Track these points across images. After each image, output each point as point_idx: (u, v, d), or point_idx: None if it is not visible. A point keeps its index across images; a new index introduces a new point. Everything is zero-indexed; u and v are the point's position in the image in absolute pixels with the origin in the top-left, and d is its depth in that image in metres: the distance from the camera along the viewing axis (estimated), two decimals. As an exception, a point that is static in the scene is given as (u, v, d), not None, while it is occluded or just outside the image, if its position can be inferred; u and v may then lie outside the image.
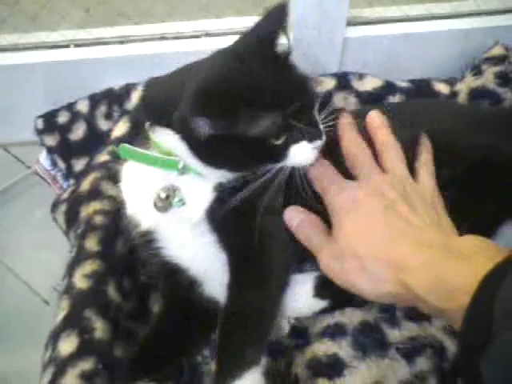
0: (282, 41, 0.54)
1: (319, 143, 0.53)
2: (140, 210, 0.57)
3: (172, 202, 0.54)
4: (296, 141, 0.52)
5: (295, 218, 0.56)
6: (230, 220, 0.54)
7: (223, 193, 0.54)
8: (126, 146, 0.58)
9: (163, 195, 0.54)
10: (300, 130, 0.51)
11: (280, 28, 0.53)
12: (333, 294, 0.58)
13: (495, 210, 0.59)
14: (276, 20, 0.53)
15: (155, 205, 0.54)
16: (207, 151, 0.52)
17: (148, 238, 0.58)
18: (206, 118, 0.48)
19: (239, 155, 0.52)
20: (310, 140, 0.52)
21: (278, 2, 0.53)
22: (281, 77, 0.51)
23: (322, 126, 0.54)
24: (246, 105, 0.48)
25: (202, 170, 0.54)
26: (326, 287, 0.58)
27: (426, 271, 0.46)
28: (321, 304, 0.59)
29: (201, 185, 0.55)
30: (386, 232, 0.51)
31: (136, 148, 0.56)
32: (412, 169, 0.58)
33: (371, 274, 0.50)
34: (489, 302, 0.38)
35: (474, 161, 0.58)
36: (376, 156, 0.58)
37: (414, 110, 0.72)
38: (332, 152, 0.58)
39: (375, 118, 0.60)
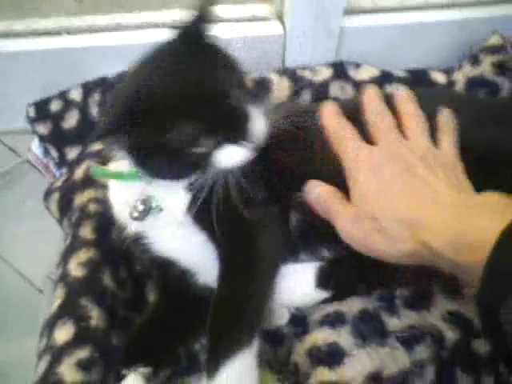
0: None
1: (249, 144, 0.49)
2: (124, 218, 0.58)
3: (150, 210, 0.54)
4: (218, 146, 0.48)
5: (312, 191, 0.55)
6: (212, 216, 0.52)
7: (197, 192, 0.53)
8: (98, 167, 0.60)
9: (140, 207, 0.54)
10: (222, 132, 0.48)
11: (204, 20, 0.52)
12: (335, 284, 0.58)
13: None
14: (201, 13, 0.52)
15: (131, 215, 0.55)
16: (138, 162, 0.50)
17: (137, 237, 0.58)
18: (114, 137, 0.48)
19: (165, 165, 0.50)
20: (235, 142, 0.48)
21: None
22: (200, 76, 0.48)
23: (252, 121, 0.50)
24: (151, 119, 0.46)
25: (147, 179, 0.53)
26: (328, 278, 0.58)
27: (445, 227, 0.45)
28: (323, 294, 0.58)
29: (172, 188, 0.54)
30: (405, 193, 0.50)
31: (104, 167, 0.58)
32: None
33: (390, 234, 0.49)
34: (509, 252, 0.38)
35: (477, 156, 0.56)
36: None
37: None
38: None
39: (403, 93, 0.59)
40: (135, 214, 0.54)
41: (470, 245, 0.43)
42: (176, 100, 0.46)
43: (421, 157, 0.53)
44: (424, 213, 0.48)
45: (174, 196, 0.54)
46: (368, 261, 0.52)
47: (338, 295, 0.59)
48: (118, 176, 0.56)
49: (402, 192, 0.50)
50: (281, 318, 0.59)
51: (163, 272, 0.60)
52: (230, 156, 0.49)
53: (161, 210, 0.55)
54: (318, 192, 0.55)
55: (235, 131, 0.48)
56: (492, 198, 0.47)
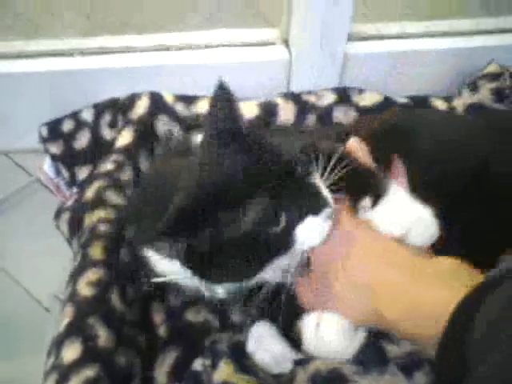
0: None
1: (329, 211, 0.46)
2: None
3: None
4: (299, 219, 0.45)
5: None
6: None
7: None
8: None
9: None
10: (299, 204, 0.44)
11: (232, 113, 0.47)
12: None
13: (493, 237, 0.56)
14: (225, 107, 0.47)
15: None
16: (201, 268, 0.47)
17: None
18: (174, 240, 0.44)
19: (238, 261, 0.46)
20: (316, 212, 0.45)
21: (218, 85, 0.47)
22: (253, 158, 0.45)
23: (325, 189, 0.47)
24: (221, 209, 0.43)
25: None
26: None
27: (398, 296, 0.44)
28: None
29: None
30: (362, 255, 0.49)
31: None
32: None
33: (346, 297, 0.49)
34: (463, 333, 0.36)
35: (467, 180, 0.57)
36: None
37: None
38: None
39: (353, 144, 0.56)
40: None
41: (425, 318, 0.41)
42: (241, 182, 0.43)
43: None
44: (376, 273, 0.47)
45: None
46: None
47: None
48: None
49: (356, 257, 0.49)
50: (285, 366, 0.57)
51: None
52: (312, 229, 0.45)
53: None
54: None
55: (314, 200, 0.45)
56: (447, 263, 0.45)
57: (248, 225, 0.43)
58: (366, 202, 0.50)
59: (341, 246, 0.49)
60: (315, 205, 0.45)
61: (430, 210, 0.51)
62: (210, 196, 0.43)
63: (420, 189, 0.54)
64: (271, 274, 0.49)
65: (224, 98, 0.47)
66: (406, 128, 0.64)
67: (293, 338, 0.56)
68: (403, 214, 0.50)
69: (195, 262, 0.46)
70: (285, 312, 0.52)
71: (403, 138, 0.62)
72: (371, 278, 0.47)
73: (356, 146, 0.56)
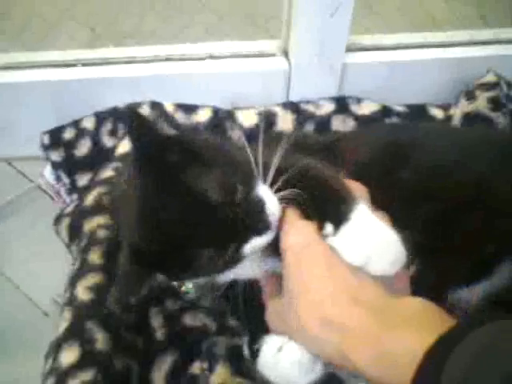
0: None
1: (270, 233, 0.48)
2: None
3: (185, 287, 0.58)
4: (243, 243, 0.47)
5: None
6: None
7: None
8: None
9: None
10: (239, 235, 0.47)
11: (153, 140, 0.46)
12: None
13: (494, 249, 0.57)
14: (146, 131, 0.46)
15: None
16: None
17: None
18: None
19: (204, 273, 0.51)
20: (258, 234, 0.47)
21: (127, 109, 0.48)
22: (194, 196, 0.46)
23: (272, 202, 0.48)
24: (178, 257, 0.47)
25: None
26: None
27: (366, 341, 0.41)
28: None
29: None
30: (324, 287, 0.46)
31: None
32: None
33: (309, 336, 0.45)
34: (434, 380, 0.35)
35: (466, 194, 0.57)
36: None
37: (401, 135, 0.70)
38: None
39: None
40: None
41: (393, 365, 0.39)
42: (184, 229, 0.46)
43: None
44: (341, 312, 0.44)
45: None
46: None
47: None
48: None
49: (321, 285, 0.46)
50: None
51: None
52: (255, 245, 0.48)
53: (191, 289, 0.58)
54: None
55: (253, 227, 0.47)
56: (415, 304, 0.43)
57: (200, 265, 0.47)
58: (327, 229, 0.47)
59: (312, 275, 0.46)
60: (258, 227, 0.47)
61: (397, 235, 0.47)
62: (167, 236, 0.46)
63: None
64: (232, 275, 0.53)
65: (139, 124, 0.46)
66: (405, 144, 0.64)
67: (252, 351, 0.55)
68: (365, 241, 0.47)
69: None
70: (253, 324, 0.55)
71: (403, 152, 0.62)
72: (340, 317, 0.43)
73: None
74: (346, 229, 0.47)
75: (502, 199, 0.58)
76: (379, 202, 0.53)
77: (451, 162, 0.61)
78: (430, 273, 0.58)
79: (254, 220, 0.47)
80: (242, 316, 0.59)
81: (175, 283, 0.57)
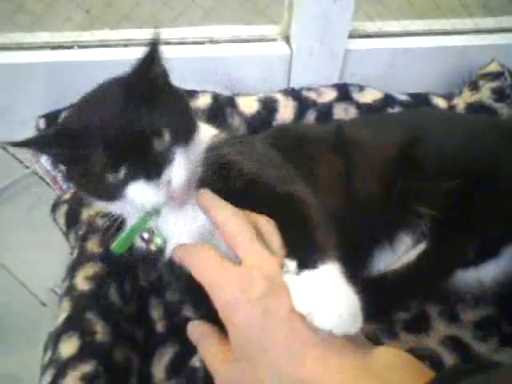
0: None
1: (158, 184, 0.47)
2: None
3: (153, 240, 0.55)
4: (132, 179, 0.47)
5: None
6: None
7: None
8: (114, 243, 0.57)
9: (145, 235, 0.55)
10: (134, 168, 0.47)
11: (148, 61, 0.49)
12: None
13: (502, 229, 0.59)
14: (146, 54, 0.50)
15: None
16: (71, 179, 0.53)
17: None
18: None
19: (88, 183, 0.50)
20: (147, 179, 0.47)
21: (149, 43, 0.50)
22: (128, 113, 0.47)
23: (171, 164, 0.48)
24: (72, 145, 0.48)
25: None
26: None
27: None
28: None
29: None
30: (289, 351, 0.41)
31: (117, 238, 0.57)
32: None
33: None
34: None
35: (476, 174, 0.59)
36: None
37: (412, 119, 0.72)
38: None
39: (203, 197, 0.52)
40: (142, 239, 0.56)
41: None
42: (99, 131, 0.47)
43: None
44: (312, 370, 0.39)
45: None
46: (375, 292, 0.53)
47: None
48: (133, 232, 0.55)
49: (281, 341, 0.41)
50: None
51: None
52: (140, 193, 0.48)
53: (164, 242, 0.55)
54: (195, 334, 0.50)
55: (146, 170, 0.47)
56: (388, 356, 0.41)
57: (93, 165, 0.47)
58: (291, 266, 0.44)
59: (276, 336, 0.41)
60: (151, 172, 0.47)
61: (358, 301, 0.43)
62: (81, 129, 0.48)
63: None
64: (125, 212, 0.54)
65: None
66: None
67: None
68: (321, 293, 0.42)
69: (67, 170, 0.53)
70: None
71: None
72: (309, 375, 0.39)
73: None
74: (308, 274, 0.43)
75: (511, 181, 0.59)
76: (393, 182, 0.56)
77: (461, 143, 0.62)
78: (440, 250, 0.59)
79: (149, 163, 0.47)
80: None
81: (145, 236, 0.54)
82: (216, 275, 0.44)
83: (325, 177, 0.60)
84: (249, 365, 0.42)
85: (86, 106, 0.52)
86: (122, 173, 0.47)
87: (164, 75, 0.51)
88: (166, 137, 0.48)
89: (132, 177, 0.47)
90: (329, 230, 0.49)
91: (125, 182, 0.47)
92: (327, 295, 0.42)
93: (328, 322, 0.40)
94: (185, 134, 0.51)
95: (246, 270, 0.44)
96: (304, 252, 0.45)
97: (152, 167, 0.47)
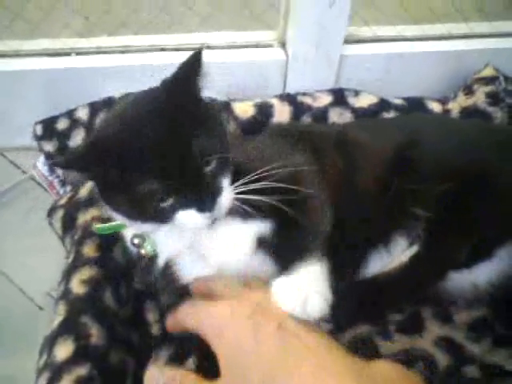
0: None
1: (210, 215, 0.48)
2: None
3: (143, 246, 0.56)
4: (183, 207, 0.47)
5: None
6: None
7: None
8: (98, 225, 0.60)
9: (135, 240, 0.56)
10: (187, 198, 0.47)
11: (193, 78, 0.48)
12: (337, 316, 0.59)
13: (495, 231, 0.60)
14: (189, 69, 0.48)
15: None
16: (105, 198, 0.50)
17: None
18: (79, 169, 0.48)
19: (129, 207, 0.49)
20: (200, 210, 0.47)
21: (194, 51, 0.49)
22: (179, 138, 0.46)
23: (221, 196, 0.48)
24: (118, 167, 0.45)
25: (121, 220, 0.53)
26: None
27: None
28: (325, 326, 0.58)
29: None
30: (283, 358, 0.41)
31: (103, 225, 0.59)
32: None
33: None
34: None
35: (469, 178, 0.59)
36: None
37: (408, 123, 0.73)
38: None
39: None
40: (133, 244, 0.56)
41: None
42: (148, 156, 0.45)
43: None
44: None
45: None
46: (368, 293, 0.53)
47: (339, 327, 0.60)
48: (116, 227, 0.57)
49: (278, 357, 0.41)
50: None
51: None
52: (189, 219, 0.48)
53: (154, 250, 0.56)
54: (163, 380, 0.47)
55: (198, 200, 0.47)
56: (383, 370, 0.41)
57: (140, 191, 0.46)
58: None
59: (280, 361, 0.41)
60: (203, 203, 0.47)
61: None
62: (131, 151, 0.45)
63: None
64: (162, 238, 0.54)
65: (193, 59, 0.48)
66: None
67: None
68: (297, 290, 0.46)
69: (104, 194, 0.50)
70: None
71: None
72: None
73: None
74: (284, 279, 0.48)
75: (504, 184, 0.59)
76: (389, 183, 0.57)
77: (455, 147, 0.63)
78: (432, 252, 0.59)
79: (203, 193, 0.47)
80: None
81: (136, 241, 0.55)
82: (206, 310, 0.47)
83: (328, 172, 0.60)
84: (240, 377, 0.42)
85: (130, 124, 0.47)
86: (170, 201, 0.47)
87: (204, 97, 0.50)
88: (213, 164, 0.48)
89: (183, 205, 0.47)
90: (322, 232, 0.50)
91: (174, 209, 0.47)
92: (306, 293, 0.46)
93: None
94: (227, 160, 0.50)
95: (231, 300, 0.46)
96: (291, 255, 0.48)
97: (204, 198, 0.47)
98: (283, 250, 0.52)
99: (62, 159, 0.47)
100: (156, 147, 0.45)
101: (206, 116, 0.49)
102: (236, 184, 0.50)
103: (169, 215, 0.48)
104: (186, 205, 0.47)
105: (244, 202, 0.50)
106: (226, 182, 0.49)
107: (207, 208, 0.47)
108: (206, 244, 0.54)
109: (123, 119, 0.48)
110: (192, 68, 0.48)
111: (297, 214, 0.50)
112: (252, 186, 0.49)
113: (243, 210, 0.51)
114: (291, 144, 0.61)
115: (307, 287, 0.47)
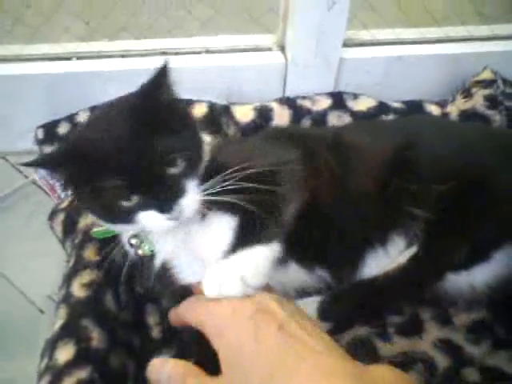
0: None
1: (170, 217, 0.48)
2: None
3: (140, 247, 0.56)
4: (144, 208, 0.48)
5: (159, 371, 0.48)
6: None
7: None
8: (96, 230, 0.61)
9: (133, 240, 0.57)
10: (147, 197, 0.47)
11: (159, 86, 0.50)
12: (336, 317, 0.60)
13: (493, 234, 0.60)
14: (155, 77, 0.50)
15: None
16: (79, 200, 0.53)
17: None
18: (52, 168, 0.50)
19: (99, 208, 0.51)
20: (160, 211, 0.48)
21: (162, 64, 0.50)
22: (141, 137, 0.47)
23: (184, 197, 0.48)
24: (85, 165, 0.47)
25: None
26: (329, 310, 0.60)
27: None
28: (324, 327, 0.60)
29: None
30: (283, 359, 0.41)
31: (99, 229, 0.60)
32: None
33: None
34: None
35: (468, 180, 0.59)
36: None
37: (407, 124, 0.74)
38: None
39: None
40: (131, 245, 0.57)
41: None
42: (112, 157, 0.46)
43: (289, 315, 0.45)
44: None
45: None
46: (367, 294, 0.53)
47: (339, 327, 0.61)
48: (111, 231, 0.59)
49: (278, 358, 0.41)
50: None
51: None
52: (151, 220, 0.49)
53: (152, 250, 0.56)
54: (167, 371, 0.47)
55: (158, 201, 0.48)
56: (383, 372, 0.41)
57: (104, 189, 0.47)
58: None
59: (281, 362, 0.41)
60: (164, 204, 0.48)
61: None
62: (92, 151, 0.47)
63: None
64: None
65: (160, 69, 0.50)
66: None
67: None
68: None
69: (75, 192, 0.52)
70: None
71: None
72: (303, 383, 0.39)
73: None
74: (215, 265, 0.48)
75: (503, 188, 0.60)
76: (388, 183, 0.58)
77: (455, 149, 0.63)
78: (430, 253, 0.60)
79: (162, 194, 0.47)
80: None
81: (133, 242, 0.56)
82: (206, 307, 0.47)
83: (319, 171, 0.61)
84: (241, 377, 0.42)
85: (98, 127, 0.50)
86: (134, 201, 0.48)
87: (174, 100, 0.51)
88: (179, 166, 0.49)
89: (144, 205, 0.48)
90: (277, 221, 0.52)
91: (136, 209, 0.48)
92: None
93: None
94: (196, 161, 0.51)
95: (233, 299, 0.46)
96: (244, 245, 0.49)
97: (164, 198, 0.48)
98: (243, 242, 0.51)
99: (34, 159, 0.49)
100: (119, 146, 0.47)
101: (172, 117, 0.50)
102: (205, 185, 0.50)
103: (132, 215, 0.49)
104: (147, 205, 0.48)
105: (212, 201, 0.50)
106: (192, 184, 0.50)
107: (166, 209, 0.48)
108: (197, 241, 0.55)
109: (93, 121, 0.53)
110: (158, 75, 0.49)
111: (258, 210, 0.50)
112: (218, 187, 0.50)
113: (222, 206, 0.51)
114: (281, 145, 0.62)
115: (232, 270, 0.47)
